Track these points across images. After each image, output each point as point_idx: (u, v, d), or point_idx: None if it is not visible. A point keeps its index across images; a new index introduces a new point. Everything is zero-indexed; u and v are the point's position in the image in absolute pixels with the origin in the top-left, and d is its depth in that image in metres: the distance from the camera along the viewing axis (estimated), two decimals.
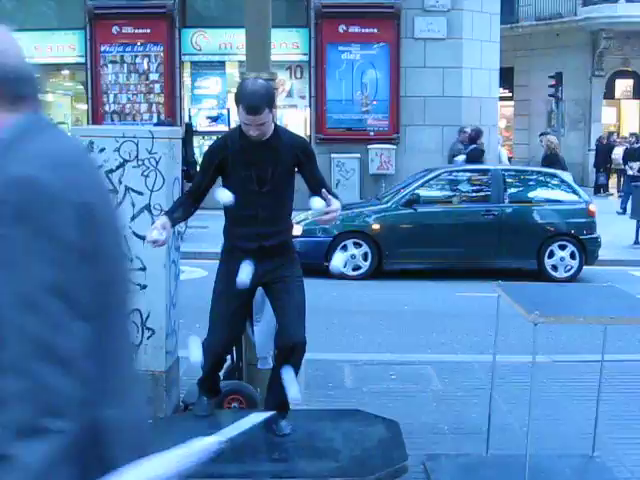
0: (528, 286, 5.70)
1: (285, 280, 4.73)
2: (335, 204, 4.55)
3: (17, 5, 20.49)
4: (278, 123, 4.76)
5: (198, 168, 5.10)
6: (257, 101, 4.42)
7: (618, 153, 24.42)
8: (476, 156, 15.21)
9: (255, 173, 4.60)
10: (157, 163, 5.25)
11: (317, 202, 4.56)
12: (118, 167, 5.26)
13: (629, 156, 21.40)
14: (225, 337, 4.80)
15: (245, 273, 4.56)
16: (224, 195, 4.55)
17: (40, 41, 20.44)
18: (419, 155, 18.99)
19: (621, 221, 17.98)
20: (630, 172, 20.64)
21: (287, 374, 4.58)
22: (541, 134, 18.03)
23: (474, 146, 15.78)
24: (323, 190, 4.58)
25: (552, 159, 14.94)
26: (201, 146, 20.37)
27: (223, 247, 4.89)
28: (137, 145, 5.25)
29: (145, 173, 5.26)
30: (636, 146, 21.18)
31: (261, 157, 4.59)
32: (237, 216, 4.71)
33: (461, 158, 15.45)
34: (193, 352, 4.79)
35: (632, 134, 23.08)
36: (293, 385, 4.57)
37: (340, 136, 19.92)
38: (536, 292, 5.14)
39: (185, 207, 4.74)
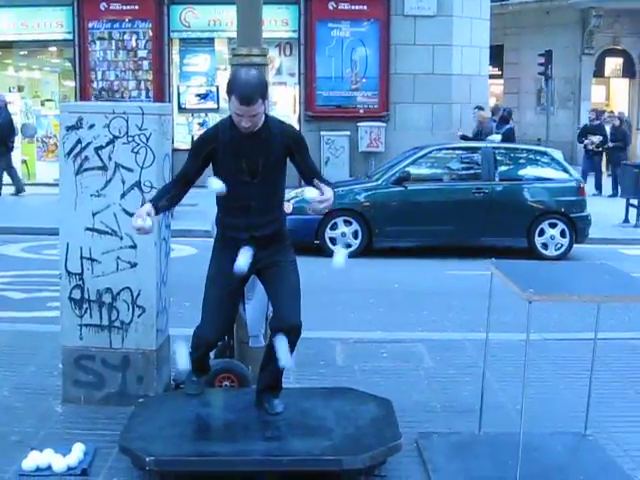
0: (521, 264, 5.67)
1: (279, 264, 4.68)
2: (328, 192, 4.45)
3: None
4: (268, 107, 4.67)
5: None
6: (250, 91, 4.31)
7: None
8: (511, 136, 15.54)
9: (246, 164, 4.51)
10: (147, 139, 5.19)
11: (311, 192, 4.49)
12: (108, 143, 5.20)
13: (585, 132, 21.33)
14: (218, 324, 4.75)
15: (244, 259, 4.51)
16: (215, 183, 4.48)
17: (27, 17, 20.29)
18: (409, 133, 18.96)
19: (606, 200, 18.01)
20: (590, 147, 20.57)
21: (280, 342, 4.55)
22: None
23: (509, 126, 16.09)
24: (315, 180, 4.52)
25: (485, 133, 15.28)
26: (190, 124, 20.29)
27: (216, 236, 4.83)
28: (127, 121, 5.19)
29: (135, 150, 5.20)
30: (596, 123, 21.12)
31: (251, 148, 4.49)
32: (229, 207, 4.63)
33: (497, 138, 15.44)
34: (180, 359, 4.80)
35: (593, 110, 22.96)
36: (284, 353, 4.54)
37: (330, 113, 19.85)
38: (530, 270, 5.10)
39: (171, 195, 4.63)
